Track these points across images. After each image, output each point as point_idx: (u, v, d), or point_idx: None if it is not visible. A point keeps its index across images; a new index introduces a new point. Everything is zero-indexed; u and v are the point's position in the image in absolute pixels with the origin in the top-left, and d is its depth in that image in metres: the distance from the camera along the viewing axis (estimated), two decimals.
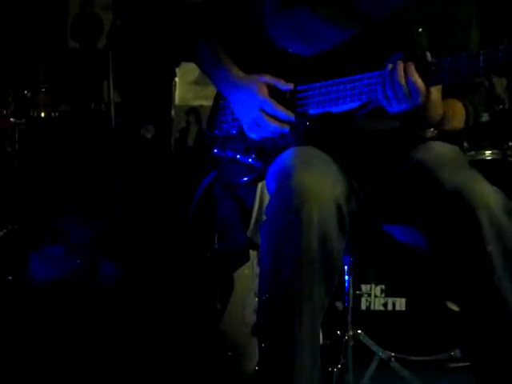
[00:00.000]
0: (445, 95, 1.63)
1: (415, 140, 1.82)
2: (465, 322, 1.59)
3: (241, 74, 1.87)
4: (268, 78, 1.81)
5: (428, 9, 1.79)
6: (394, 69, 1.58)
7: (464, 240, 1.52)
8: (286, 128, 1.77)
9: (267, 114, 1.77)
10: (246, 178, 1.86)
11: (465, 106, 1.82)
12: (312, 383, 1.57)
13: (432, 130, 1.84)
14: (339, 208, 1.55)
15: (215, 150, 1.95)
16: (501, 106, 3.09)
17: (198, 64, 2.03)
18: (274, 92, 1.80)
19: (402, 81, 1.57)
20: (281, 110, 1.77)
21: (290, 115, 1.77)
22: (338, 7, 1.80)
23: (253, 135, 1.83)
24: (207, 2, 2.06)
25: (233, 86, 1.86)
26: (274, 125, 1.77)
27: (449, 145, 1.83)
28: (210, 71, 1.96)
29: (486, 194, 1.54)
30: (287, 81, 1.80)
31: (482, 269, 1.50)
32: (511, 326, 1.50)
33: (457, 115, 1.80)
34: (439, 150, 1.78)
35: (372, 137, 1.79)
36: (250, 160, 1.85)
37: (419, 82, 1.56)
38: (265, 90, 1.79)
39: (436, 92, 1.59)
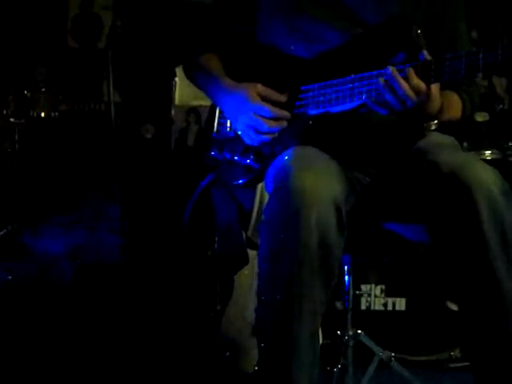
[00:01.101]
0: (442, 87, 1.64)
1: (415, 132, 1.83)
2: (462, 311, 1.59)
3: (231, 81, 1.86)
4: (261, 88, 1.78)
5: (416, 2, 1.80)
6: (393, 76, 1.58)
7: (461, 220, 1.51)
8: (284, 125, 1.77)
9: (263, 117, 1.76)
10: (243, 180, 1.85)
11: (461, 97, 1.83)
12: (311, 383, 1.57)
13: (436, 122, 1.85)
14: (338, 207, 1.55)
15: (213, 152, 1.94)
16: (501, 106, 3.09)
17: (192, 81, 2.02)
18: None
19: (401, 87, 1.57)
20: (277, 112, 1.76)
21: (286, 115, 1.76)
22: (336, 11, 1.81)
23: (250, 141, 1.81)
24: (201, 10, 2.06)
25: (224, 93, 1.86)
26: (272, 126, 1.76)
27: (446, 135, 1.85)
28: (203, 82, 1.96)
29: (483, 174, 1.54)
30: (286, 81, 1.80)
31: (478, 248, 1.50)
32: (506, 310, 1.50)
33: (453, 106, 1.81)
34: (436, 139, 1.81)
35: (371, 129, 1.80)
36: (247, 161, 1.84)
37: (421, 84, 1.56)
38: (257, 96, 1.78)
39: (435, 87, 1.59)
